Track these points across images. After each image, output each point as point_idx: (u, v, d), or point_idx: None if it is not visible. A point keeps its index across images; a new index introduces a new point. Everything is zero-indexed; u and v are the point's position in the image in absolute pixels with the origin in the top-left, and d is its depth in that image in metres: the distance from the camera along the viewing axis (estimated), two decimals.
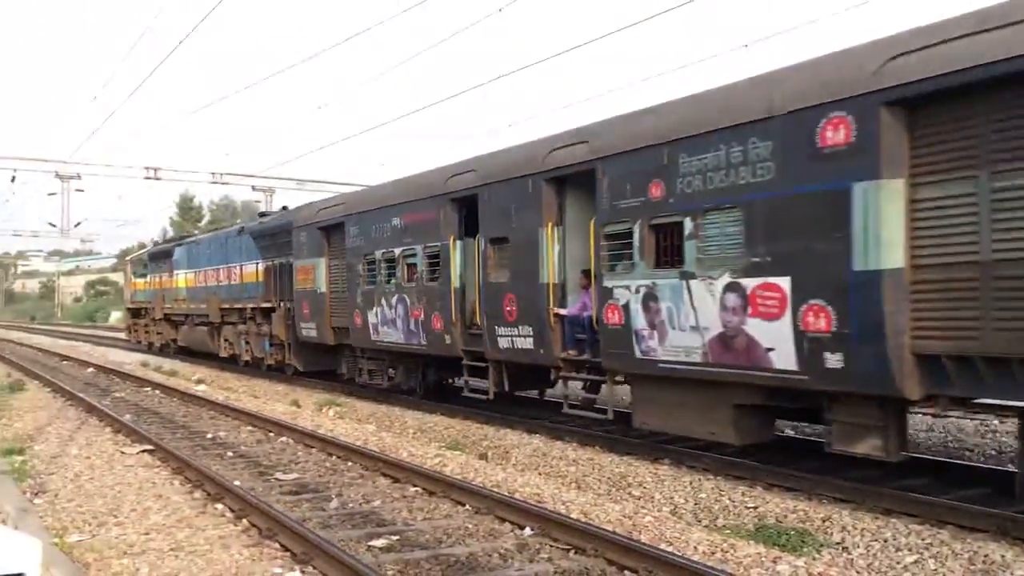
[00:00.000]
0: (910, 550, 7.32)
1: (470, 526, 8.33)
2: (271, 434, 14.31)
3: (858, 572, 7.05)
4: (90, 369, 28.41)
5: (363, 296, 16.97)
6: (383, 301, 16.20)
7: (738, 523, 8.49)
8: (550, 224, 12.09)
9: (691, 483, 9.79)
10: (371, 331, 16.69)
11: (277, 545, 7.73)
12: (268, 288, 22.42)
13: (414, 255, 15.23)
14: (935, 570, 6.95)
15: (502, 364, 13.57)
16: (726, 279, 9.27)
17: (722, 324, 9.36)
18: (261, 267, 22.97)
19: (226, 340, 26.04)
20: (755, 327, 8.98)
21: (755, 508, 8.75)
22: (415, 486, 10.07)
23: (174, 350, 32.00)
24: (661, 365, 10.25)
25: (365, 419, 16.02)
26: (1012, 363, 7.12)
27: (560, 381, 13.00)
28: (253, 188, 46.06)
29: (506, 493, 9.41)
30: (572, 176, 11.80)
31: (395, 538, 7.94)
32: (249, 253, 24.04)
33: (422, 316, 14.96)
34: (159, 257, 33.23)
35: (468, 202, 13.98)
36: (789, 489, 9.38)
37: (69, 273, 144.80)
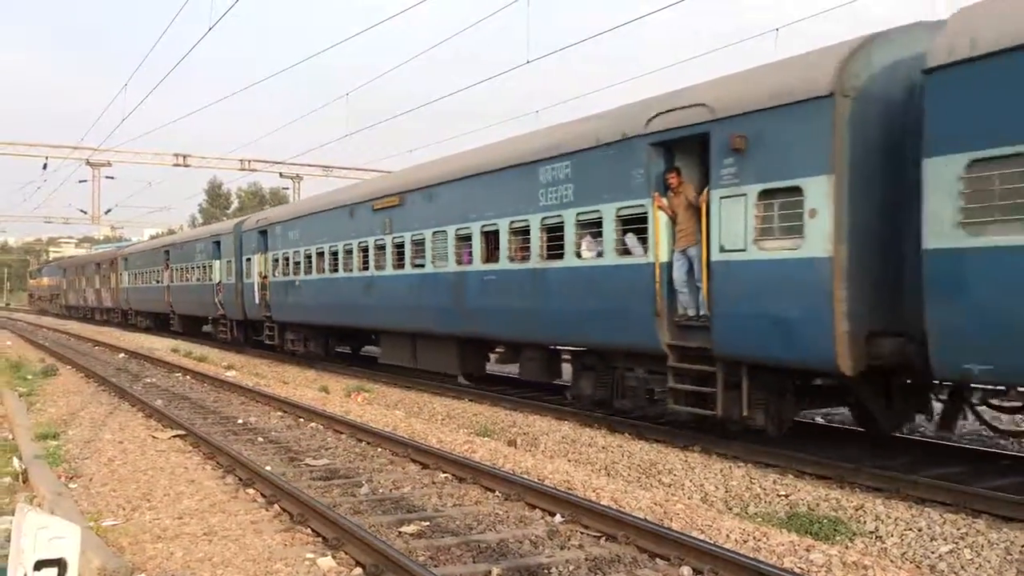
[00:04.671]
0: (945, 539, 7.25)
1: (500, 512, 8.34)
2: (301, 420, 14.41)
3: (892, 561, 6.98)
4: (122, 354, 28.75)
5: None
6: None
7: (769, 511, 8.44)
8: None
9: (721, 470, 9.75)
10: None
11: (309, 530, 7.77)
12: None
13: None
14: (970, 560, 6.88)
15: None
16: None
17: None
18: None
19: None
20: None
21: (786, 496, 8.69)
22: (445, 472, 10.09)
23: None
24: None
25: (394, 405, 16.09)
26: None
27: None
28: (280, 175, 46.39)
29: (536, 479, 9.41)
30: None
31: (426, 524, 7.96)
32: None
33: None
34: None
35: None
36: (820, 477, 9.32)
37: None
